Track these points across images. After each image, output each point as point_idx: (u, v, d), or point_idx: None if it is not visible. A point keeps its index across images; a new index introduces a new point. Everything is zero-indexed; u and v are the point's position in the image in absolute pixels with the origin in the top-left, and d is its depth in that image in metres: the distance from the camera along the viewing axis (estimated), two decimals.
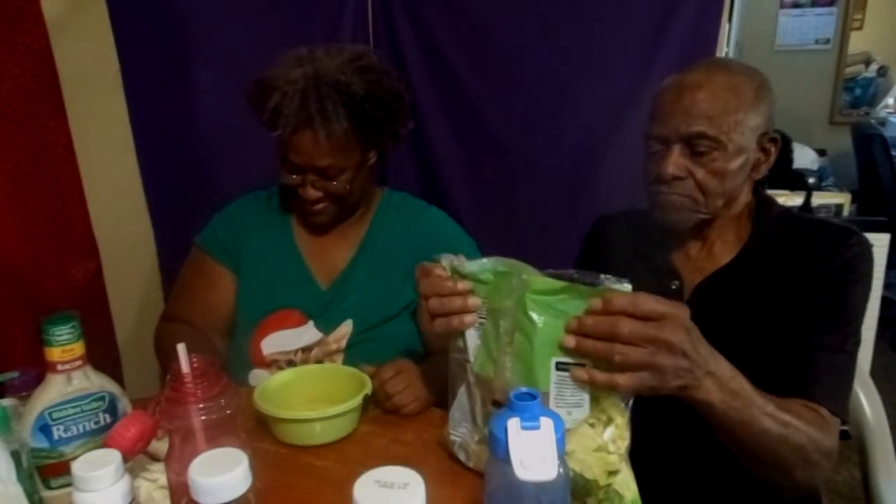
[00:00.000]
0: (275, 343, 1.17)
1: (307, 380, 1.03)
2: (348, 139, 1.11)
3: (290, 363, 1.16)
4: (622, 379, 0.70)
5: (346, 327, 1.17)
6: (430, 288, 0.80)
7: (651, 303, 0.70)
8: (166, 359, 1.19)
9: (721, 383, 0.77)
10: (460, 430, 0.84)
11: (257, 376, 1.16)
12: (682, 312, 0.72)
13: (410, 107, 1.22)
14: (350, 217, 1.25)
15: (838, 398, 0.87)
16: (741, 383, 0.79)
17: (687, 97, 0.92)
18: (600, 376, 0.71)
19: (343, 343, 1.16)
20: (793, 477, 0.84)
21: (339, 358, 1.16)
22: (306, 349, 1.16)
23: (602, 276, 0.72)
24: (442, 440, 0.90)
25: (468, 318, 0.78)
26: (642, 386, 0.71)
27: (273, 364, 1.16)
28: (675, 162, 0.93)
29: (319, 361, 1.16)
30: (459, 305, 0.78)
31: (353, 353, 1.16)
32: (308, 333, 1.17)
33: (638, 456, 0.75)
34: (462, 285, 0.79)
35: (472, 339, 0.80)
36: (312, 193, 1.14)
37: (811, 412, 0.84)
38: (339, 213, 1.20)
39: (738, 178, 0.95)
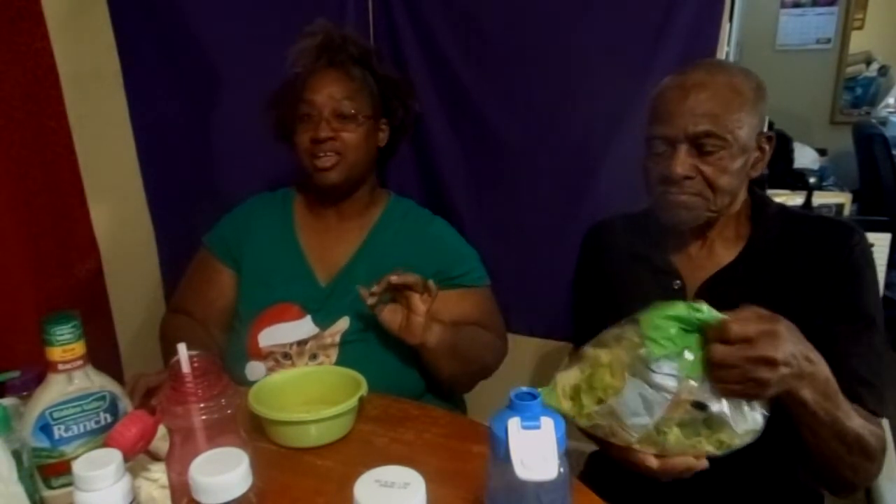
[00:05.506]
0: (272, 335, 1.18)
1: (303, 382, 1.03)
2: (364, 86, 1.23)
3: (286, 356, 1.17)
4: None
5: (343, 323, 1.18)
6: None
7: (741, 327, 0.75)
8: (166, 348, 1.27)
9: (816, 385, 0.79)
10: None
11: (254, 368, 1.18)
12: (778, 326, 0.75)
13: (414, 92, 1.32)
14: (356, 191, 1.26)
15: (883, 400, 0.89)
16: (834, 386, 0.80)
17: (692, 96, 0.92)
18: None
19: (337, 338, 1.17)
20: (857, 477, 0.86)
21: (334, 352, 1.17)
22: (301, 342, 1.17)
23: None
24: (443, 439, 0.90)
25: None
26: (745, 396, 0.77)
27: (269, 356, 1.17)
28: (683, 162, 0.93)
29: (314, 355, 1.17)
30: None
31: (348, 350, 1.17)
32: (305, 327, 1.18)
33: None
34: None
35: None
36: (325, 132, 1.17)
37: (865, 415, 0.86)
38: (346, 179, 1.21)
39: (740, 175, 0.95)
